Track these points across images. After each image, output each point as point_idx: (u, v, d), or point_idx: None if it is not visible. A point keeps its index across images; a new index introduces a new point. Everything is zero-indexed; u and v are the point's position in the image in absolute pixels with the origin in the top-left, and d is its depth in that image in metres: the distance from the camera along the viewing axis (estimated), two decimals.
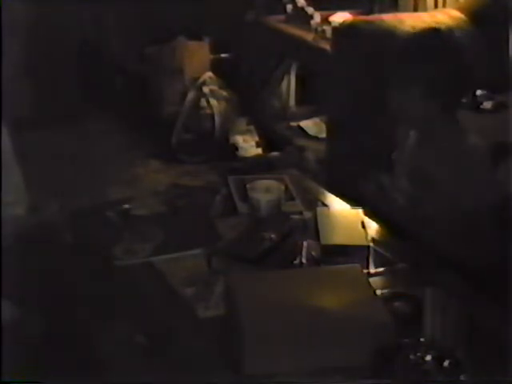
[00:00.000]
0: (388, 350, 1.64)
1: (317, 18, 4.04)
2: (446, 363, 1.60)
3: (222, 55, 4.67)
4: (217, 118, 4.39)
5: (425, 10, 3.68)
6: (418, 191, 2.35)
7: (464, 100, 2.34)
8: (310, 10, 4.13)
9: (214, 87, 4.46)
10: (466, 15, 3.39)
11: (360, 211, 2.31)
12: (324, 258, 2.08)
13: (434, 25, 3.28)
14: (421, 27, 2.33)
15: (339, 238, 2.14)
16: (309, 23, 4.05)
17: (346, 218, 2.29)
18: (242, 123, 4.48)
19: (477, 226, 2.23)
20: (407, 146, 2.40)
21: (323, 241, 2.12)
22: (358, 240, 2.13)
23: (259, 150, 4.36)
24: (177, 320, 1.91)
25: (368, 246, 2.10)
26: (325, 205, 2.44)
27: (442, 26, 2.36)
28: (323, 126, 4.06)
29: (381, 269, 2.06)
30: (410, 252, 2.16)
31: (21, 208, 2.25)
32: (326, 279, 1.88)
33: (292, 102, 4.57)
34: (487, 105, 3.11)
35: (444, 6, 3.66)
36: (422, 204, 2.34)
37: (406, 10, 3.75)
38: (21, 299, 2.05)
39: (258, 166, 3.91)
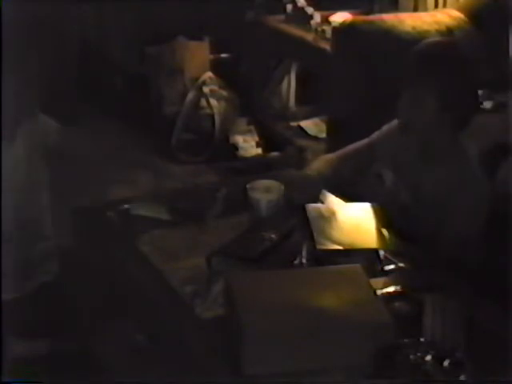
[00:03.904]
0: (388, 350, 1.64)
1: (317, 18, 4.04)
2: (445, 363, 1.60)
3: (222, 55, 4.67)
4: (217, 118, 4.39)
5: (425, 9, 3.69)
6: (415, 204, 2.33)
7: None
8: (309, 10, 4.13)
9: (214, 87, 4.46)
10: (465, 15, 3.39)
11: (367, 207, 2.29)
12: (324, 257, 2.07)
13: (435, 26, 3.29)
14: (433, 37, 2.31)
15: (337, 242, 2.12)
16: (309, 23, 4.06)
17: (344, 216, 2.26)
18: (242, 123, 4.48)
19: (477, 229, 2.22)
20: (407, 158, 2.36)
21: (318, 245, 2.10)
22: (359, 242, 2.12)
23: (259, 150, 4.36)
24: (177, 320, 1.91)
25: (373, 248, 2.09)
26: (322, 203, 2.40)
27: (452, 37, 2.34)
28: (323, 126, 4.07)
29: (391, 266, 2.06)
30: (410, 252, 2.16)
31: None
32: (326, 279, 1.88)
33: (292, 102, 4.57)
34: (487, 105, 3.12)
35: (444, 5, 3.66)
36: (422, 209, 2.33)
37: (406, 9, 3.75)
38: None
39: (258, 166, 3.91)
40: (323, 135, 3.98)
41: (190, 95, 4.42)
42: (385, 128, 2.44)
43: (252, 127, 4.46)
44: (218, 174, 4.02)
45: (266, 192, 2.28)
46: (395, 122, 2.40)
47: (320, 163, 2.50)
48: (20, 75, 2.19)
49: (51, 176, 2.39)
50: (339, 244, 2.10)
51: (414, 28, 3.24)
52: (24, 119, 2.26)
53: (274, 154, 4.26)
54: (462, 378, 1.59)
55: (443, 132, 2.22)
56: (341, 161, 2.48)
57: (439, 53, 2.22)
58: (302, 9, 4.17)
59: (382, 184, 2.36)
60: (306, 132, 4.33)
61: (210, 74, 4.49)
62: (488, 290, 1.95)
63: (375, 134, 2.46)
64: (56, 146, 2.35)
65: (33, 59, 2.27)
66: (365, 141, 2.47)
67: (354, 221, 2.22)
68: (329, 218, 2.23)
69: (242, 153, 4.33)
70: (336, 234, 2.14)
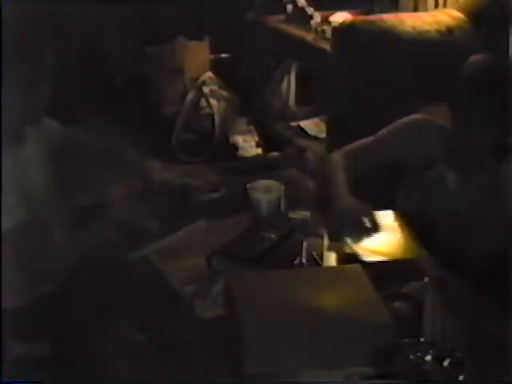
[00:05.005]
0: (388, 350, 1.64)
1: (317, 18, 4.05)
2: (445, 363, 1.60)
3: (222, 55, 4.67)
4: (217, 118, 4.39)
5: (425, 9, 3.69)
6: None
7: None
8: (309, 10, 4.13)
9: (214, 87, 4.47)
10: (465, 15, 3.39)
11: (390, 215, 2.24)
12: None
13: (435, 26, 3.29)
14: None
15: (379, 253, 2.07)
16: (309, 23, 4.06)
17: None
18: (242, 123, 4.48)
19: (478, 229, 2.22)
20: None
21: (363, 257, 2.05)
22: (398, 252, 2.10)
23: (259, 150, 4.36)
24: (177, 320, 1.91)
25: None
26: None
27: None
28: (323, 126, 4.07)
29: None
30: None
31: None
32: (326, 279, 1.88)
33: (292, 102, 4.57)
34: None
35: (444, 5, 3.66)
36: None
37: (406, 9, 3.75)
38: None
39: (258, 166, 3.91)
40: (323, 135, 3.99)
41: (190, 95, 4.42)
42: (394, 126, 2.35)
43: (252, 127, 4.46)
44: (218, 174, 4.01)
45: (265, 192, 2.29)
46: (404, 120, 2.34)
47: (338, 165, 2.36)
48: (20, 75, 2.18)
49: (51, 176, 2.38)
50: (381, 255, 2.07)
51: (414, 28, 3.24)
52: (27, 121, 2.25)
53: (274, 154, 4.26)
54: (462, 377, 1.59)
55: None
56: (350, 158, 2.38)
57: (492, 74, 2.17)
58: (302, 9, 4.17)
59: (445, 187, 2.25)
60: (306, 132, 4.33)
61: (210, 74, 4.49)
62: (488, 290, 1.95)
63: (384, 131, 2.37)
64: (59, 148, 2.35)
65: (33, 59, 2.27)
66: (373, 138, 2.38)
67: (388, 230, 2.18)
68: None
69: (242, 153, 4.33)
70: (375, 244, 2.11)
